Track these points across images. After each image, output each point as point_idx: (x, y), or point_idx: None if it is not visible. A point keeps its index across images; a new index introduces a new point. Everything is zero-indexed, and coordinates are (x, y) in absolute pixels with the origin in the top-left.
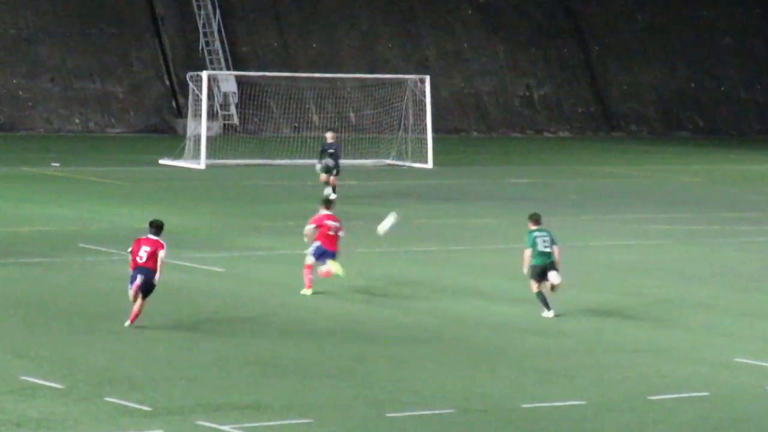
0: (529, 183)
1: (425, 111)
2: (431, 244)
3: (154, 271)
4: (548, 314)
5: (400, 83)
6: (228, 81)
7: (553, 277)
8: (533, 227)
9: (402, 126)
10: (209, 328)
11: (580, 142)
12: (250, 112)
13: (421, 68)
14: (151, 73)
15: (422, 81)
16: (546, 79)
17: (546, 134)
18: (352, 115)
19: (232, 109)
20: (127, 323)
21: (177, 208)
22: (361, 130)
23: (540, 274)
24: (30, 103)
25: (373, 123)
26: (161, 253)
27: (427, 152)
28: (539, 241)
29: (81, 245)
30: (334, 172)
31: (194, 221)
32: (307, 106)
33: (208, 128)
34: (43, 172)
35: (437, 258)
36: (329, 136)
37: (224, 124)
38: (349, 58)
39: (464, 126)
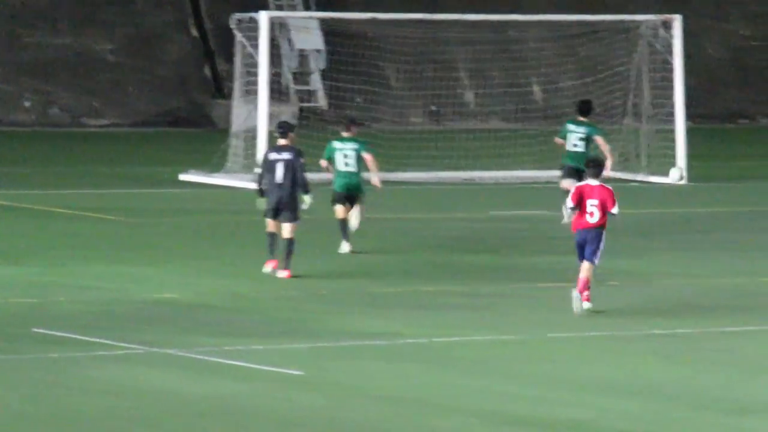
0: None
1: (674, 80)
2: None
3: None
4: None
5: (627, 30)
6: (309, 31)
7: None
8: None
9: (628, 109)
10: None
11: None
12: (351, 87)
13: (665, 3)
14: (166, 15)
15: (668, 26)
16: None
17: None
18: (536, 90)
19: (316, 82)
20: None
21: (219, 264)
22: (550, 115)
23: None
24: None
25: (573, 103)
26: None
27: (676, 157)
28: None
29: (37, 330)
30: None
31: (253, 287)
32: (455, 75)
33: (273, 117)
34: None
35: None
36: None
37: (302, 109)
38: None
39: (748, 107)
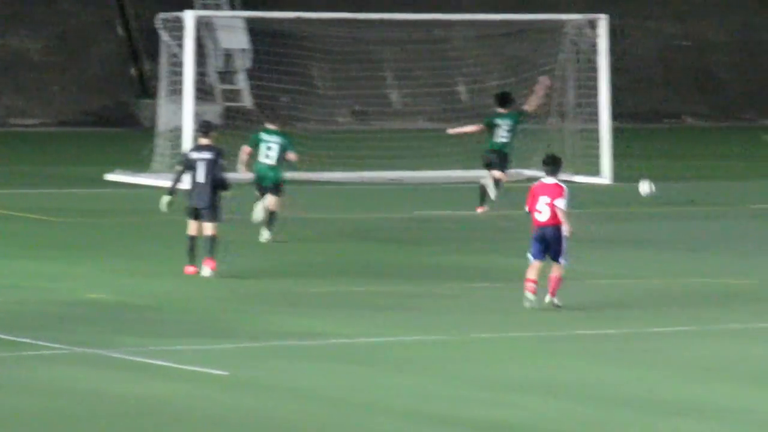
0: None
1: (599, 80)
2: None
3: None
4: None
5: (553, 30)
6: (234, 31)
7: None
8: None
9: (555, 108)
10: None
11: None
12: (276, 86)
13: (595, 3)
14: (92, 15)
15: (593, 25)
16: None
17: None
18: (462, 90)
19: (242, 82)
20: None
21: (144, 265)
22: (477, 114)
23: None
24: None
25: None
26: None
27: (601, 156)
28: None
29: None
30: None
31: (179, 287)
32: (381, 75)
33: (199, 116)
34: None
35: None
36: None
37: (227, 108)
38: None
39: (672, 107)
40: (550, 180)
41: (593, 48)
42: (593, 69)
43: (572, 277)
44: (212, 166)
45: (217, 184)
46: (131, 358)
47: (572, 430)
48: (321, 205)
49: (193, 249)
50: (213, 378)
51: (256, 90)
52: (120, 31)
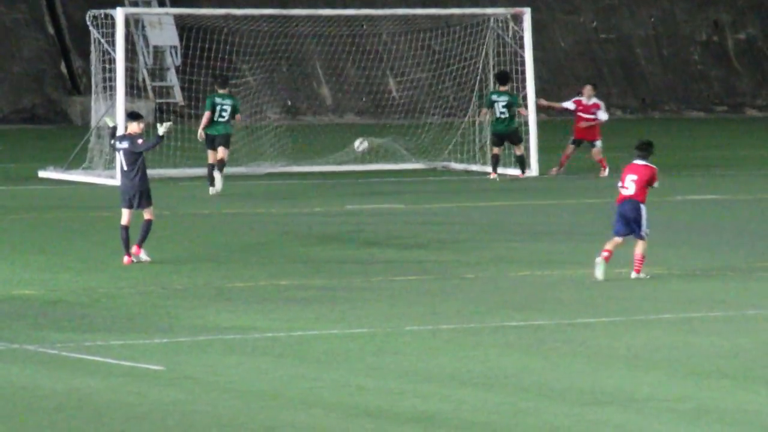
0: (717, 201)
1: (524, 73)
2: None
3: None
4: None
5: (478, 24)
6: (164, 27)
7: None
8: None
9: (478, 102)
10: None
11: None
12: (205, 81)
13: None
14: (21, 12)
15: (518, 19)
16: (752, 15)
17: (751, 111)
18: (391, 83)
19: (172, 78)
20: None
21: (76, 260)
22: (407, 109)
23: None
24: None
25: (428, 96)
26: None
27: (527, 150)
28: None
29: None
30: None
31: (110, 282)
32: (310, 71)
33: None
34: None
35: None
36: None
37: (158, 105)
38: None
39: (599, 99)
40: (640, 162)
41: (518, 41)
42: (518, 62)
43: (497, 269)
44: (130, 152)
45: (141, 169)
46: (64, 353)
47: (500, 421)
48: (252, 200)
49: (128, 239)
50: (147, 373)
51: (186, 86)
52: (50, 28)
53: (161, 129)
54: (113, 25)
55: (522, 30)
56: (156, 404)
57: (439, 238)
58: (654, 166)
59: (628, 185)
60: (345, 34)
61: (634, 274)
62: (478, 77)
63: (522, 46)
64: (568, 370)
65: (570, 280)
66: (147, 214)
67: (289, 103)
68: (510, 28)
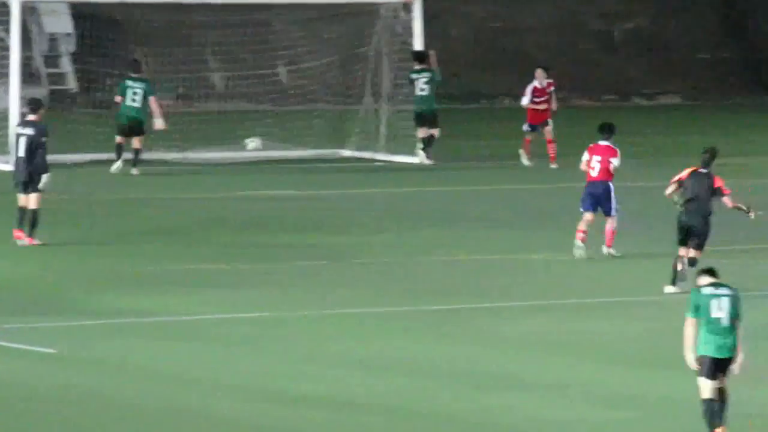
0: (618, 187)
1: (413, 63)
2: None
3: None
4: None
5: (370, 12)
6: (58, 16)
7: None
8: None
9: (371, 89)
10: None
11: (714, 112)
12: (99, 69)
13: None
14: None
15: (408, 8)
16: (640, 4)
17: (639, 100)
18: (282, 71)
19: (67, 65)
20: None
21: None
22: (299, 96)
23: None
24: None
25: (320, 84)
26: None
27: (416, 136)
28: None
29: None
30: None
31: (10, 266)
32: (203, 58)
33: (25, 99)
34: None
35: None
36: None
37: (52, 91)
38: None
39: (489, 89)
40: (604, 143)
41: (408, 30)
42: (408, 51)
43: (395, 254)
44: (33, 142)
45: (35, 167)
46: None
47: (394, 404)
48: (147, 186)
49: (22, 218)
50: (41, 356)
51: (80, 74)
52: None
53: (41, 184)
54: (8, 13)
55: (412, 19)
56: (55, 386)
57: (334, 224)
58: (617, 147)
59: (594, 166)
60: (237, 22)
61: (605, 249)
62: (370, 66)
63: (412, 35)
64: (464, 354)
65: (466, 266)
66: (32, 203)
67: (181, 90)
68: (401, 17)
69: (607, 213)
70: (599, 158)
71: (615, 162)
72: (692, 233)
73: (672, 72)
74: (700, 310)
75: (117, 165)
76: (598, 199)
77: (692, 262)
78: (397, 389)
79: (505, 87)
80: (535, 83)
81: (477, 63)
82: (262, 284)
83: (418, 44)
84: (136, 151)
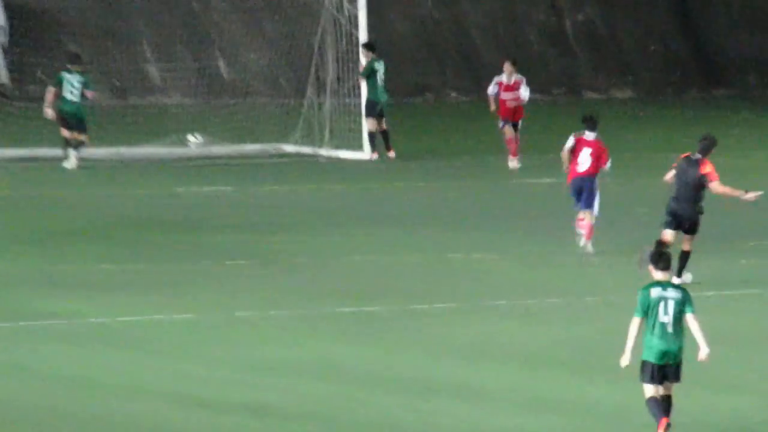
0: (552, 184)
1: (358, 54)
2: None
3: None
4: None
5: (313, 5)
6: None
7: None
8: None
9: (315, 83)
10: None
11: (660, 106)
12: (33, 62)
13: None
14: None
15: (352, 2)
16: None
17: (590, 94)
18: (222, 65)
19: None
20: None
21: None
22: (238, 90)
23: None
24: None
25: (261, 79)
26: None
27: (361, 132)
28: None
29: None
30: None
31: None
32: (139, 49)
33: None
34: None
35: None
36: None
37: None
38: None
39: (434, 82)
40: (590, 135)
41: (353, 23)
42: (353, 44)
43: (333, 254)
44: None
45: None
46: None
47: (332, 411)
48: (78, 183)
49: None
50: None
51: (12, 66)
52: None
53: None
54: None
55: (357, 11)
56: None
57: (270, 222)
58: (605, 146)
59: (585, 160)
60: (175, 13)
61: (583, 241)
62: (313, 59)
63: (357, 27)
64: (401, 358)
65: (404, 267)
66: None
67: (117, 83)
68: (345, 8)
69: (589, 206)
70: (590, 150)
71: (608, 166)
72: (680, 219)
73: (623, 65)
74: (646, 311)
75: (71, 160)
76: (582, 192)
77: (685, 255)
78: (332, 395)
79: (450, 81)
80: (503, 77)
81: (422, 56)
82: (190, 285)
83: (362, 36)
84: (80, 142)
